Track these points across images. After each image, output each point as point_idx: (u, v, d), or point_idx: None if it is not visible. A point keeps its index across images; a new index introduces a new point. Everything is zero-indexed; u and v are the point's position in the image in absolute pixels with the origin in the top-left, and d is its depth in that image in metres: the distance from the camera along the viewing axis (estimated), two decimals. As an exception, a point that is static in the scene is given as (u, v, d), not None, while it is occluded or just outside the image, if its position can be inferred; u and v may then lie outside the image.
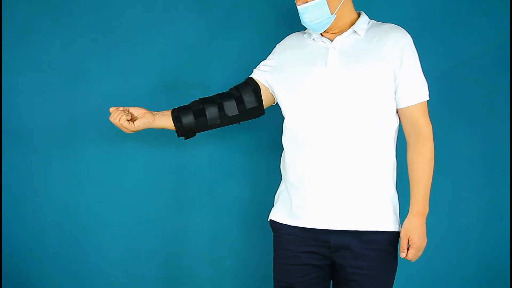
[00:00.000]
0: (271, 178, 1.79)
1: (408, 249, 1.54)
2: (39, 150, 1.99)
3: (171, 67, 2.00)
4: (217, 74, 2.01)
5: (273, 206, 1.67)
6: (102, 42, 1.98)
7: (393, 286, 1.61)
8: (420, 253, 1.56)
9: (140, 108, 1.60)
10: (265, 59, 1.71)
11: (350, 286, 1.55)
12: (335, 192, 1.51)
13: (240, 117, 1.67)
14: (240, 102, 1.64)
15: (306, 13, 1.52)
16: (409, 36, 1.55)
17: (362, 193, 1.52)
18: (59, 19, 1.97)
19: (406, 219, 1.56)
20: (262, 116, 1.71)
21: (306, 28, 1.63)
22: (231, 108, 1.64)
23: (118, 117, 1.53)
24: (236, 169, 2.03)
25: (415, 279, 2.01)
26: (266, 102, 1.69)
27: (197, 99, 1.68)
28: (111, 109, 1.56)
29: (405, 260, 1.56)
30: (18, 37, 1.97)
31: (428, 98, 1.56)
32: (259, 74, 1.68)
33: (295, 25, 1.69)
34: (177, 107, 1.66)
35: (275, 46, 1.72)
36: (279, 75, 1.63)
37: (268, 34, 1.95)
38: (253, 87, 1.66)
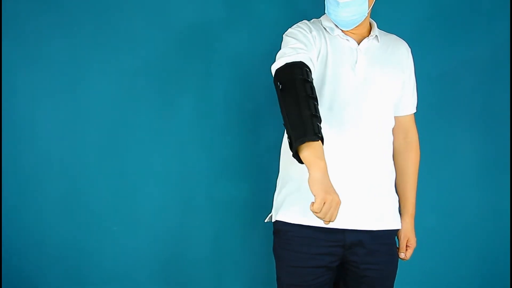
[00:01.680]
0: (271, 178, 1.79)
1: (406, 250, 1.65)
2: (40, 149, 1.99)
3: (172, 66, 2.00)
4: (217, 71, 2.00)
5: (272, 207, 1.66)
6: (102, 42, 1.98)
7: (394, 285, 1.62)
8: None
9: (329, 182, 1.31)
10: (305, 43, 1.50)
11: (362, 282, 1.54)
12: (355, 191, 1.50)
13: None
14: None
15: (346, 7, 1.47)
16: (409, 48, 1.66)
17: (377, 192, 1.53)
18: (59, 18, 1.97)
19: (403, 221, 1.65)
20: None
21: (311, 19, 1.62)
22: None
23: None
24: (236, 169, 2.03)
25: (415, 279, 2.01)
26: None
27: (319, 115, 1.35)
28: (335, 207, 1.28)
29: (405, 260, 1.62)
30: (18, 36, 1.97)
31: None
32: (313, 69, 1.47)
33: (295, 20, 1.68)
34: (322, 138, 1.32)
35: (295, 28, 1.56)
36: (316, 68, 1.53)
37: (269, 29, 1.94)
38: None
